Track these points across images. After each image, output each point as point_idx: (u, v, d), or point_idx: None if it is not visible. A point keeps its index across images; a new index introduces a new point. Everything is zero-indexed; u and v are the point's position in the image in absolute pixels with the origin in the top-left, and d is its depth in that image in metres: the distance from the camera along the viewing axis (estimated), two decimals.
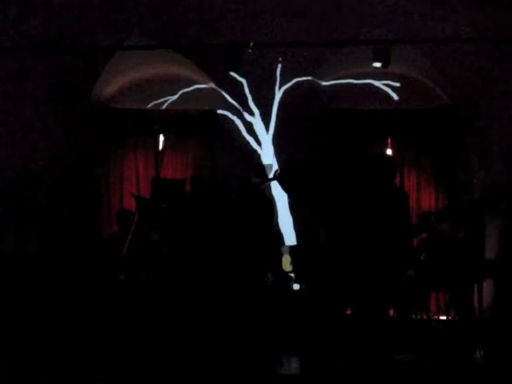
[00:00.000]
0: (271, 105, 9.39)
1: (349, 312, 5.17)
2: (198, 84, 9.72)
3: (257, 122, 9.45)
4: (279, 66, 9.02)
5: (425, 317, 7.40)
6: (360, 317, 4.26)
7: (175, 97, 9.54)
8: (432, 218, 7.45)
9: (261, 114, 9.39)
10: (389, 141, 9.67)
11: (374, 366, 4.21)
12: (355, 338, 4.26)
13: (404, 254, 5.89)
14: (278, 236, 8.79)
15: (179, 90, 9.67)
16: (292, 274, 7.99)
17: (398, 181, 7.56)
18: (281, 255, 8.09)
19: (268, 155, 9.30)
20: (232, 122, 9.47)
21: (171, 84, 9.79)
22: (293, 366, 5.99)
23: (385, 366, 4.25)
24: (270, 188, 8.70)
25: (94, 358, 6.03)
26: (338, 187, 4.35)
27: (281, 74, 9.10)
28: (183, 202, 7.85)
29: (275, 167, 9.08)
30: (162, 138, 10.01)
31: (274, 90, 9.24)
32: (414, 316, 7.16)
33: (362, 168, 4.55)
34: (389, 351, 4.39)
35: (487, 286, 7.05)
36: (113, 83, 9.85)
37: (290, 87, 9.11)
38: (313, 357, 5.74)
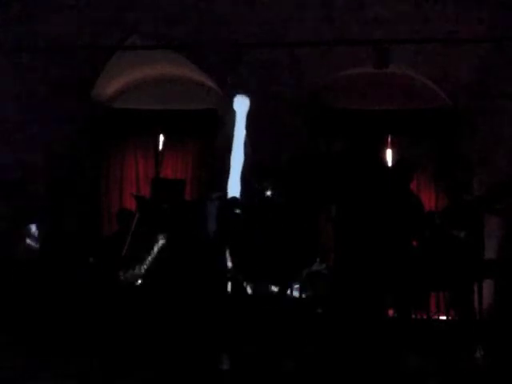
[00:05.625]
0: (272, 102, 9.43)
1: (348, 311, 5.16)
2: (198, 83, 9.75)
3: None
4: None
5: (425, 317, 7.40)
6: (361, 315, 4.26)
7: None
8: (436, 218, 7.44)
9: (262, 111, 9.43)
10: (389, 140, 9.66)
11: (375, 363, 4.21)
12: (356, 338, 4.26)
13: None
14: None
15: (179, 90, 9.69)
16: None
17: None
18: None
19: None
20: (232, 121, 9.48)
21: (171, 84, 9.80)
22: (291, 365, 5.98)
23: (386, 365, 4.25)
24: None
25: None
26: (348, 185, 4.33)
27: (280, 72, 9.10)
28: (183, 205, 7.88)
29: None
30: (162, 137, 10.02)
31: (274, 87, 9.26)
32: (413, 316, 7.15)
33: (378, 171, 4.53)
34: (392, 351, 4.38)
35: (487, 285, 7.04)
36: (113, 83, 9.85)
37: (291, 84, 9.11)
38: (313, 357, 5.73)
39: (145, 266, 7.48)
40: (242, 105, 9.15)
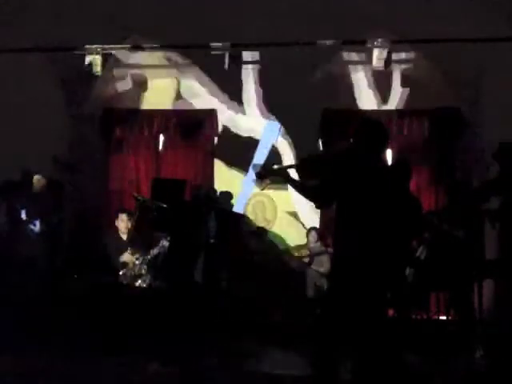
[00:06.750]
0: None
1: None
2: (198, 83, 9.78)
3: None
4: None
5: (425, 317, 7.39)
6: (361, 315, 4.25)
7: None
8: (434, 218, 7.43)
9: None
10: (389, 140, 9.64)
11: (377, 366, 4.19)
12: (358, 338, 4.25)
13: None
14: None
15: (179, 90, 9.71)
16: None
17: None
18: None
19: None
20: (232, 120, 9.53)
21: (171, 84, 9.83)
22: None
23: (387, 367, 4.24)
24: None
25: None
26: (348, 184, 4.31)
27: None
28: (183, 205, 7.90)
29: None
30: (162, 137, 10.02)
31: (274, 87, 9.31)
32: (413, 316, 7.15)
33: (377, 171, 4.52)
34: (392, 351, 4.37)
35: (487, 285, 7.03)
36: (113, 83, 9.86)
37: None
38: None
39: (145, 266, 7.49)
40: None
